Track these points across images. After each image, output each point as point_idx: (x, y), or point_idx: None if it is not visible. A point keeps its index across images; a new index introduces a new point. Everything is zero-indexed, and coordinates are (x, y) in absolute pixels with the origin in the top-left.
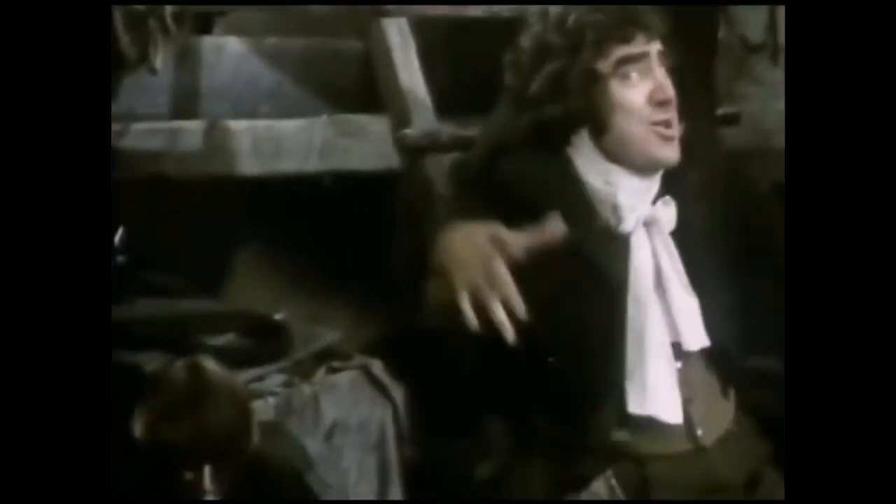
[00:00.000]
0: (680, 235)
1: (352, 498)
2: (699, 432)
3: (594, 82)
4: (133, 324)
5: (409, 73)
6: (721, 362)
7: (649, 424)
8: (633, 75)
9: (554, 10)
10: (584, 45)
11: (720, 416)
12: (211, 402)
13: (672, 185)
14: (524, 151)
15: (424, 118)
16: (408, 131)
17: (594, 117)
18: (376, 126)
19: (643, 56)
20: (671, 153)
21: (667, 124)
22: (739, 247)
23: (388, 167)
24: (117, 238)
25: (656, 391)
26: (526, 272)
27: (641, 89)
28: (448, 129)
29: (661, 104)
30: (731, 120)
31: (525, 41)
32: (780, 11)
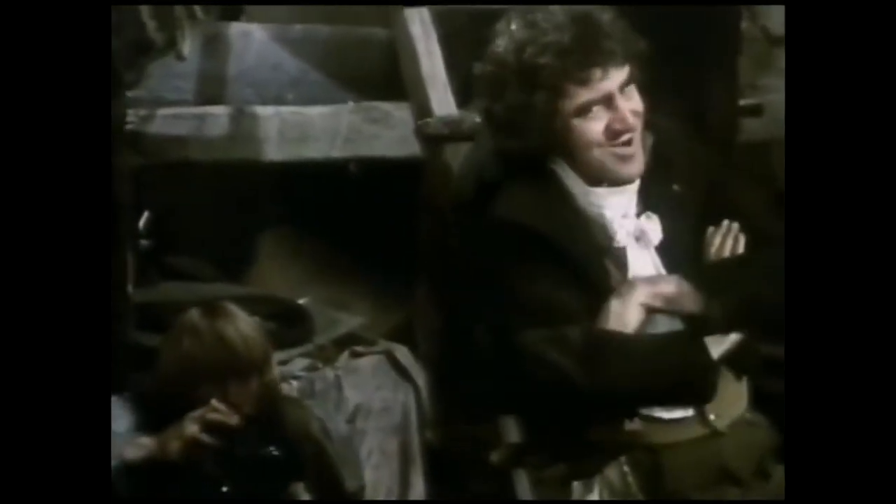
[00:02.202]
0: (665, 249)
1: (372, 481)
2: (712, 417)
3: (555, 120)
4: (157, 306)
5: (431, 62)
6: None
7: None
8: (595, 109)
9: (518, 29)
10: (540, 85)
11: (734, 401)
12: (230, 320)
13: (652, 199)
14: (513, 185)
15: (445, 107)
16: (428, 120)
17: (557, 149)
18: (401, 113)
19: (607, 98)
20: (633, 169)
21: (625, 144)
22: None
23: (413, 154)
24: (142, 222)
25: None
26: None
27: (601, 120)
28: (468, 118)
29: (619, 132)
30: (754, 111)
31: (488, 59)
32: None
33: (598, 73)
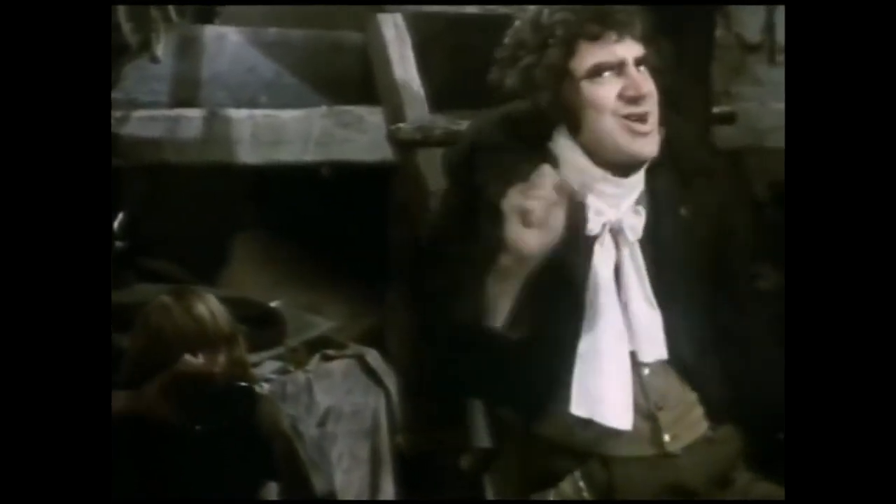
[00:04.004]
0: (658, 246)
1: (342, 484)
2: (666, 438)
3: (564, 80)
4: (131, 308)
5: (404, 67)
6: (689, 372)
7: (609, 428)
8: (606, 75)
9: (537, 7)
10: (552, 43)
11: (694, 423)
12: (199, 298)
13: (654, 217)
14: (503, 151)
15: (418, 112)
16: (401, 125)
17: (565, 114)
18: (374, 117)
19: (619, 64)
20: (646, 147)
21: (640, 119)
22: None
23: (385, 158)
24: (117, 224)
25: (603, 396)
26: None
27: (613, 86)
28: (441, 124)
29: (633, 100)
30: (727, 119)
31: (508, 37)
32: (778, 12)
33: (612, 35)
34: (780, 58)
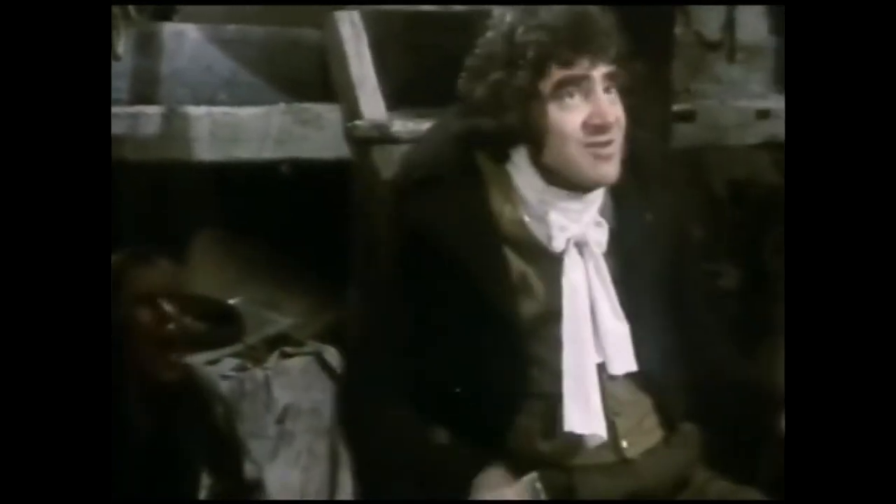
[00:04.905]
0: (625, 256)
1: (301, 482)
2: (624, 444)
3: (532, 101)
4: None
5: (361, 65)
6: (649, 381)
7: (575, 438)
8: (574, 98)
9: (512, 16)
10: (523, 62)
11: (649, 429)
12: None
13: (621, 223)
14: (443, 184)
15: (374, 110)
16: (357, 123)
17: (529, 136)
18: (333, 115)
19: (584, 79)
20: (608, 171)
21: (604, 144)
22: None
23: (343, 156)
24: None
25: (596, 411)
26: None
27: (579, 112)
28: (398, 122)
29: (598, 128)
30: (687, 117)
31: (479, 46)
32: (738, 10)
33: (585, 62)
34: (740, 56)
